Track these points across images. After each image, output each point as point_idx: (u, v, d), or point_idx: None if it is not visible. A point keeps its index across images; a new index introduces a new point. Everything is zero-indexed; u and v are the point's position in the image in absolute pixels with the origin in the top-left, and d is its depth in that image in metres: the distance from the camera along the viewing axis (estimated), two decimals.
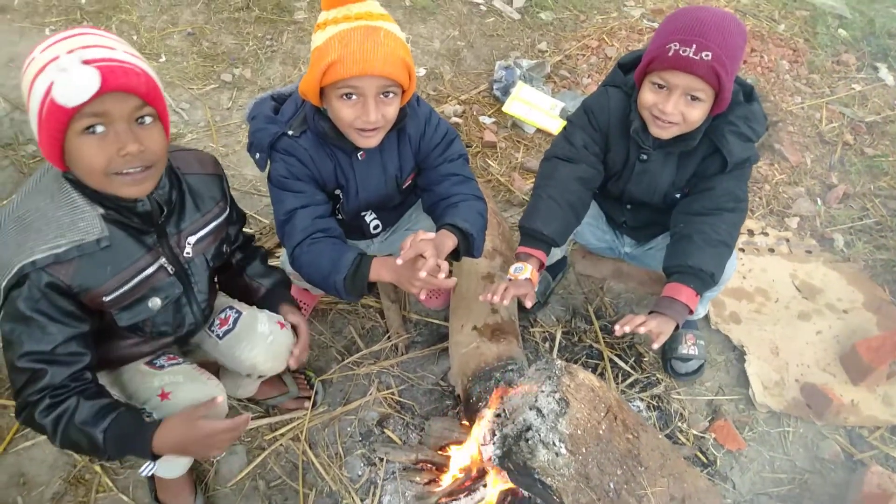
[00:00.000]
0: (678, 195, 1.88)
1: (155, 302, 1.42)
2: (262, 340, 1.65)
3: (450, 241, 1.67)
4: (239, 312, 1.69)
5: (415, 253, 1.54)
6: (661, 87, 1.62)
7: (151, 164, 1.25)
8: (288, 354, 1.75)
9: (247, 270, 1.75)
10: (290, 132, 1.66)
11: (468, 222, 1.71)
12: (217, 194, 1.54)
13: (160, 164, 1.29)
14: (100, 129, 1.16)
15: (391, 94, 1.54)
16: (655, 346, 1.64)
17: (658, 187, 1.88)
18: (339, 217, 1.87)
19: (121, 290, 1.34)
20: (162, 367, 1.55)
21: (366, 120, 1.53)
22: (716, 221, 1.75)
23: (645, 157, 1.82)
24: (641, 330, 1.63)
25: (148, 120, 1.23)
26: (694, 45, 1.51)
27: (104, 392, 1.37)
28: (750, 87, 1.75)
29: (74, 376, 1.30)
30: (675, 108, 1.61)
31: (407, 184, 1.88)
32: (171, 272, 1.44)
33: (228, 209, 1.59)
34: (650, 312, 1.70)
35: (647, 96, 1.66)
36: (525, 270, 1.76)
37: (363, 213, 1.93)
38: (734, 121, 1.70)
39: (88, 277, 1.28)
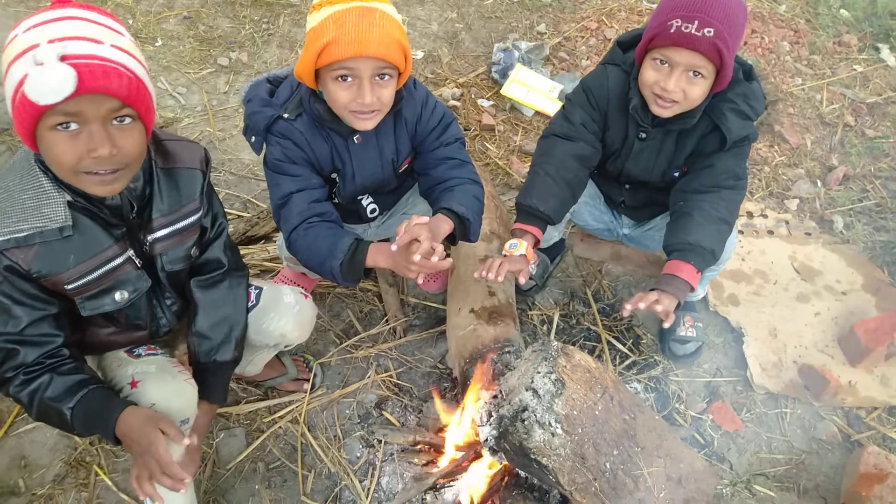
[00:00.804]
0: (676, 174, 1.88)
1: (122, 295, 1.39)
2: (289, 310, 1.72)
3: (445, 224, 1.66)
4: (259, 288, 1.71)
5: (409, 238, 1.54)
6: (662, 63, 1.62)
7: (124, 166, 1.21)
8: (312, 324, 1.83)
9: (195, 325, 1.58)
10: (286, 115, 1.65)
11: (464, 206, 1.70)
12: (194, 191, 1.46)
13: (134, 165, 1.25)
14: (73, 126, 1.12)
15: (387, 77, 1.53)
16: (667, 325, 1.66)
17: (657, 165, 1.87)
18: (336, 201, 1.86)
19: (84, 280, 1.32)
20: (139, 356, 1.54)
21: (361, 102, 1.52)
22: (715, 199, 1.74)
23: (644, 135, 1.82)
24: (658, 308, 1.62)
25: (127, 120, 1.17)
26: (696, 22, 1.50)
27: (82, 369, 1.36)
28: (749, 66, 1.74)
29: (49, 354, 1.30)
30: (677, 85, 1.61)
31: (403, 167, 1.87)
32: (138, 265, 1.40)
33: (203, 210, 1.51)
34: (651, 290, 1.70)
35: (649, 74, 1.65)
36: (520, 247, 1.75)
37: (360, 197, 1.92)
38: (733, 98, 1.70)
39: (49, 264, 1.26)
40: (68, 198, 1.25)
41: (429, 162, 1.83)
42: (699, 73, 1.59)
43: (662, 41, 1.58)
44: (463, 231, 1.72)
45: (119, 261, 1.36)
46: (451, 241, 1.72)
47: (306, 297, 1.80)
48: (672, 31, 1.53)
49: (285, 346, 1.84)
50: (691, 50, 1.54)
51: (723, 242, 1.75)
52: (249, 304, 1.68)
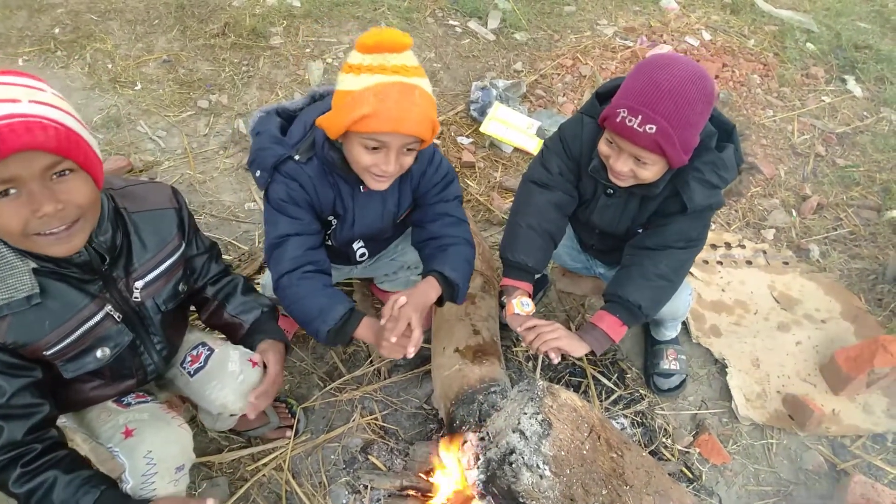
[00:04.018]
0: (639, 230, 1.89)
1: (104, 352, 1.37)
2: (231, 380, 1.61)
3: (433, 292, 1.70)
4: (211, 350, 1.65)
5: (404, 324, 1.58)
6: (611, 143, 1.62)
7: (77, 218, 1.18)
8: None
9: (227, 308, 1.68)
10: (297, 157, 1.64)
11: (456, 271, 1.73)
12: (171, 230, 1.47)
13: (90, 216, 1.22)
14: (12, 191, 1.08)
15: (413, 148, 1.56)
16: (555, 360, 1.73)
17: (621, 222, 1.88)
18: (329, 243, 1.86)
19: (63, 343, 1.29)
20: (129, 404, 1.52)
21: (384, 169, 1.53)
22: (659, 256, 1.76)
23: (611, 191, 1.82)
24: (552, 353, 1.73)
25: (66, 173, 1.13)
26: (640, 117, 1.48)
27: (80, 459, 1.33)
28: (731, 126, 1.69)
29: (35, 429, 1.26)
30: (625, 166, 1.60)
31: (402, 218, 1.89)
32: (118, 320, 1.38)
33: (185, 245, 1.52)
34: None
35: (603, 147, 1.66)
36: (532, 306, 1.82)
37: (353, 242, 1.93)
38: (700, 167, 1.65)
39: (24, 333, 1.23)
40: (33, 265, 1.22)
41: (427, 215, 1.85)
42: (644, 161, 1.58)
43: (610, 125, 1.57)
44: (451, 294, 1.75)
45: (97, 318, 1.34)
46: (437, 302, 1.75)
47: (255, 364, 1.65)
48: (617, 119, 1.52)
49: (230, 415, 1.75)
50: (632, 143, 1.54)
51: (657, 298, 1.77)
52: (197, 366, 1.63)
